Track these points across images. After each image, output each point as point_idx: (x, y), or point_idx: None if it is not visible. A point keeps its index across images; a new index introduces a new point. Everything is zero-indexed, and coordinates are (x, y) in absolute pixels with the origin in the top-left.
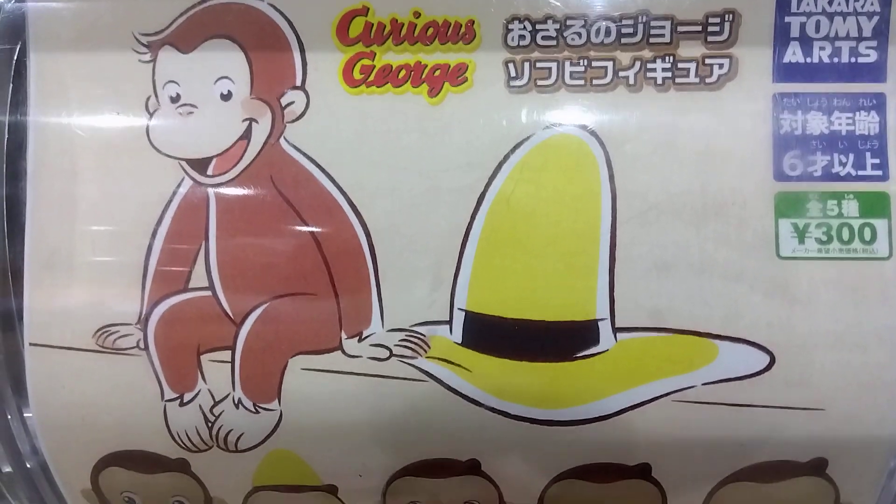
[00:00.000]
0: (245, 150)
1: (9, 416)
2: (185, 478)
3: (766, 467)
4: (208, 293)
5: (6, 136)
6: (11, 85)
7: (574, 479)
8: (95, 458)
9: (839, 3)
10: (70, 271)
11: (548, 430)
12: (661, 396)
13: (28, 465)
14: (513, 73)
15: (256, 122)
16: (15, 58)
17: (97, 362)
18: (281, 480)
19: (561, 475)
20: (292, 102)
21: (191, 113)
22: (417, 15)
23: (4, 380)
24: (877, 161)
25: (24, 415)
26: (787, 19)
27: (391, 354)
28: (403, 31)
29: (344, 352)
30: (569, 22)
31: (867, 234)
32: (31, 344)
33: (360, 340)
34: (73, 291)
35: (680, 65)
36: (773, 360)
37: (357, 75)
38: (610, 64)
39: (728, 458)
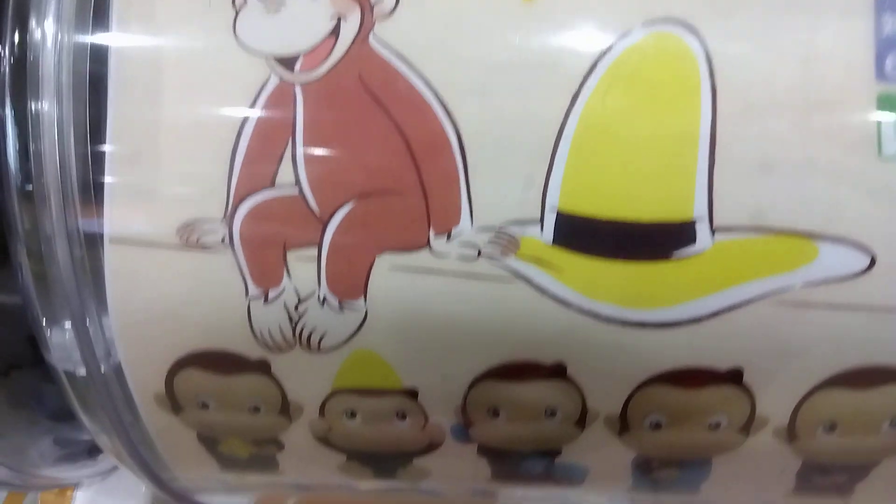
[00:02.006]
0: (333, 47)
1: (87, 318)
2: (265, 380)
3: (860, 373)
4: (295, 190)
5: (91, 21)
6: None
7: (661, 384)
8: (173, 359)
9: None
10: (154, 167)
11: (639, 332)
12: (759, 297)
13: (102, 370)
14: None
15: (345, 18)
16: None
17: (180, 258)
18: (361, 383)
19: (648, 380)
20: None
21: (278, 10)
22: None
23: (84, 279)
24: None
25: (102, 318)
26: None
27: (480, 253)
28: None
29: (432, 250)
30: None
31: None
32: (111, 240)
33: (448, 239)
34: (157, 188)
35: None
36: (873, 261)
37: None
38: None
39: (823, 362)
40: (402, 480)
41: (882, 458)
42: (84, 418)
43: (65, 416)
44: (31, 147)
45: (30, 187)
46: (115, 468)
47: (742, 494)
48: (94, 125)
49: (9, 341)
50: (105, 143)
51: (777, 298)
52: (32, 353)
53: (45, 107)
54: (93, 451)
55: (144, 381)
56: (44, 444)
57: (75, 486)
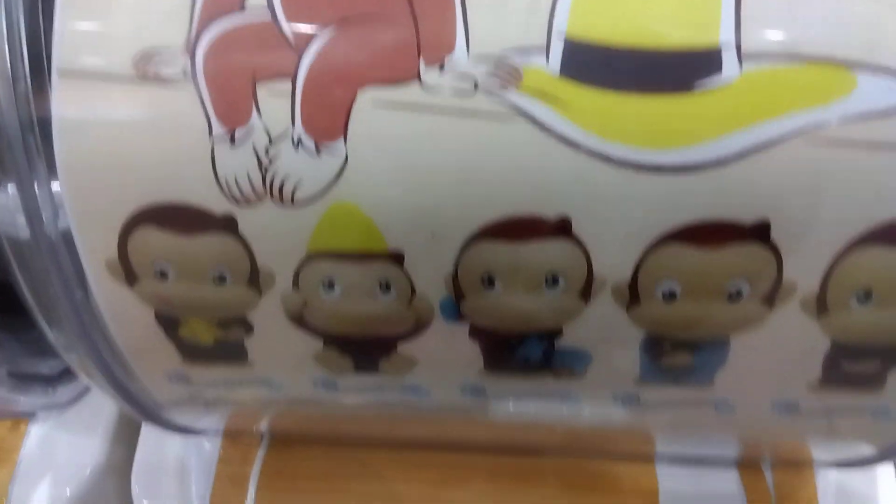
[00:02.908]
0: None
1: (33, 179)
2: (230, 241)
3: None
4: (267, 14)
5: None
6: None
7: (677, 242)
8: (128, 213)
9: None
10: None
11: (654, 177)
12: (790, 135)
13: (48, 233)
14: None
15: None
16: None
17: (136, 93)
18: (340, 245)
19: (663, 238)
20: None
21: None
22: None
23: (28, 120)
24: None
25: (50, 181)
26: None
27: (476, 86)
28: None
29: (422, 83)
30: None
31: None
32: (59, 71)
33: (441, 70)
34: (113, 10)
35: None
36: None
37: None
38: None
39: (860, 212)
40: (384, 374)
41: None
42: (31, 300)
43: (21, 353)
44: None
45: None
46: (72, 401)
47: (760, 388)
48: None
49: None
50: None
51: (810, 136)
52: None
53: None
54: (49, 381)
55: (95, 242)
56: None
57: (29, 419)
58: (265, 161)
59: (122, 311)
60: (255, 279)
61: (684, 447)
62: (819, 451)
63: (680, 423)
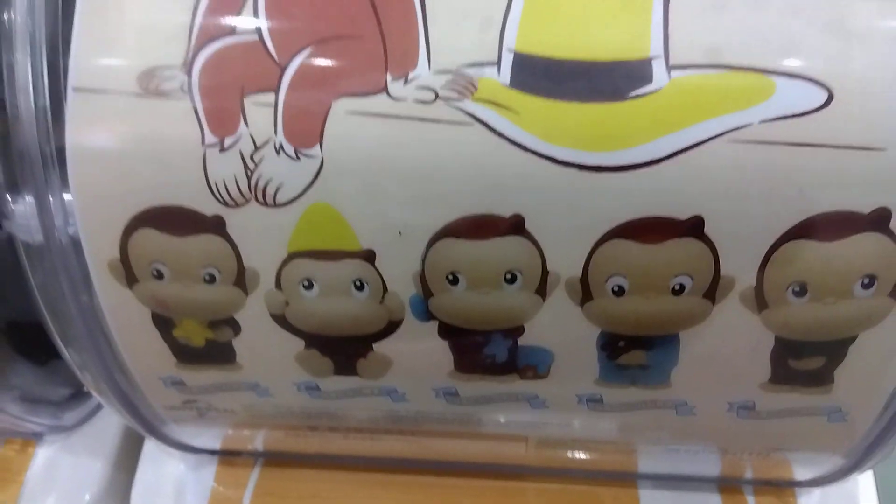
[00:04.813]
0: None
1: (48, 190)
2: (219, 241)
3: (825, 221)
4: (255, 37)
5: None
6: None
7: (621, 238)
8: (129, 216)
9: None
10: (119, 15)
11: (596, 176)
12: (717, 136)
13: (58, 238)
14: None
15: None
16: None
17: (140, 104)
18: (318, 244)
19: (608, 234)
20: None
21: None
22: None
23: (45, 132)
24: None
25: (63, 192)
26: None
27: (437, 97)
28: None
29: (389, 94)
30: None
31: None
32: (74, 88)
33: (405, 83)
34: (122, 35)
35: None
36: (830, 97)
37: None
38: None
39: (786, 207)
40: (363, 376)
41: (857, 328)
42: (43, 307)
43: (34, 381)
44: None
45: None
46: (77, 424)
47: (716, 388)
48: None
49: None
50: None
51: (735, 136)
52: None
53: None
54: (58, 405)
55: (99, 244)
56: (11, 395)
57: (37, 441)
58: (251, 166)
59: (122, 312)
60: (242, 279)
61: (662, 463)
62: (792, 464)
63: (645, 428)
